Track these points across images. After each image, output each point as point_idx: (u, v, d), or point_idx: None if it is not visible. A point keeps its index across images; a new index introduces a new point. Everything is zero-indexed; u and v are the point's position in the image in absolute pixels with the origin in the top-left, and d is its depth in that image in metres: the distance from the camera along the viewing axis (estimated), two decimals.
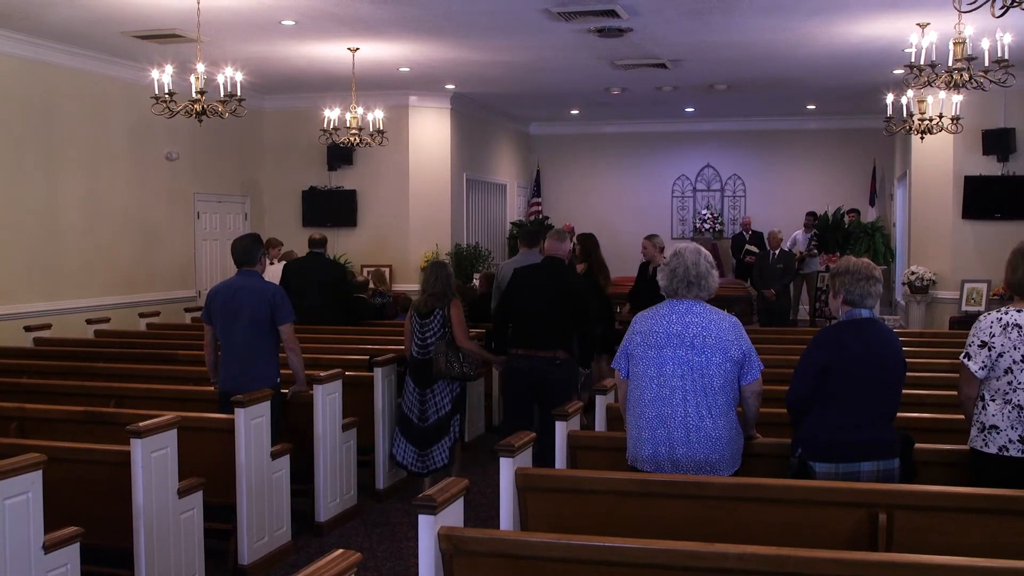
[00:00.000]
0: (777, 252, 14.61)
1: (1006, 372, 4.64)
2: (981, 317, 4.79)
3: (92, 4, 9.39)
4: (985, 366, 4.68)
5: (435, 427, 7.76)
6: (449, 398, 7.78)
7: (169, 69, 9.16)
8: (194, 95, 9.07)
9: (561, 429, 5.42)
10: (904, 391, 4.87)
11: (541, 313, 7.34)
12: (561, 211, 19.98)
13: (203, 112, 9.16)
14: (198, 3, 8.98)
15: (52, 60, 11.21)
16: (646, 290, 9.62)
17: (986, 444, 4.68)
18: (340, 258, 15.34)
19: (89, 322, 10.93)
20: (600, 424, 6.18)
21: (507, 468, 4.50)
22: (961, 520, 4.11)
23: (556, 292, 7.38)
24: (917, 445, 4.84)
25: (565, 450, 5.43)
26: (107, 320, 11.15)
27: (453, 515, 3.81)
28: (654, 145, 20.29)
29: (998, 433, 4.65)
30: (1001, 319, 4.68)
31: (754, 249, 17.14)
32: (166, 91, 9.11)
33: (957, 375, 4.88)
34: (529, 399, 7.48)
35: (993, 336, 4.67)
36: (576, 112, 18.79)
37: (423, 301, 7.79)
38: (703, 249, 4.97)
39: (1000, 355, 4.65)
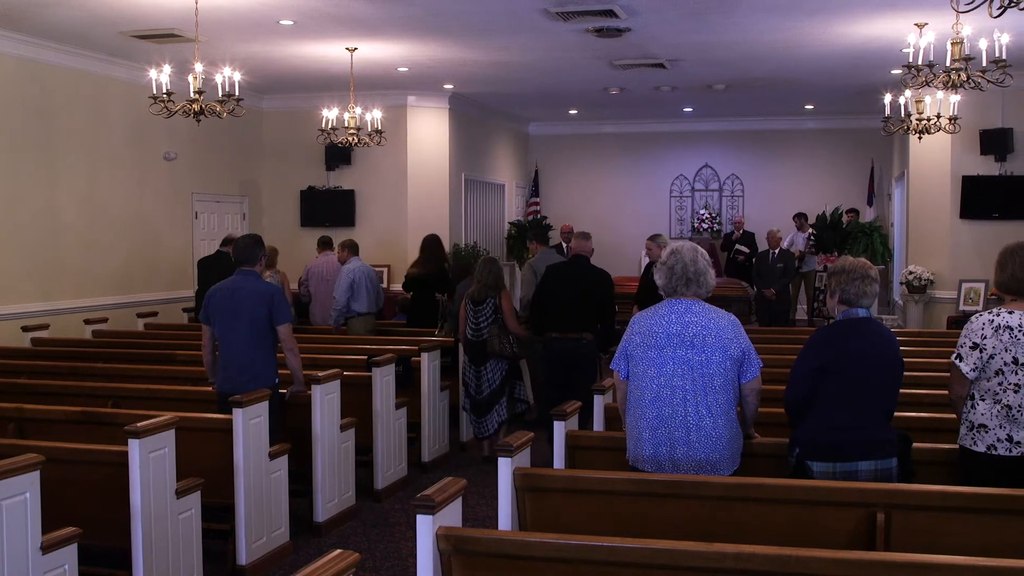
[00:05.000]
0: (777, 251, 14.58)
1: (997, 373, 4.65)
2: (973, 318, 4.79)
3: (90, 4, 9.39)
4: (976, 367, 4.69)
5: (488, 399, 8.95)
6: (499, 375, 8.94)
7: (167, 69, 9.15)
8: (192, 95, 9.06)
9: (559, 429, 5.42)
10: (902, 390, 4.88)
11: (570, 302, 8.66)
12: (559, 211, 20.00)
13: (201, 112, 9.15)
14: (196, 3, 8.98)
15: (50, 60, 11.21)
16: (653, 290, 9.66)
17: (975, 443, 4.71)
18: None
19: (87, 322, 10.95)
20: (599, 424, 6.18)
21: (505, 468, 4.50)
22: (959, 520, 4.12)
23: (583, 284, 8.71)
24: (915, 445, 4.84)
25: (564, 450, 5.43)
26: (105, 320, 11.16)
27: (451, 515, 3.81)
28: (652, 145, 20.30)
29: (987, 432, 4.67)
30: (993, 321, 4.69)
31: (744, 249, 17.13)
32: (164, 91, 9.10)
33: None
34: (562, 373, 8.71)
35: (985, 338, 4.67)
36: (575, 112, 18.79)
37: (477, 291, 8.96)
38: (699, 247, 4.98)
39: (991, 357, 4.66)
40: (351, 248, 11.01)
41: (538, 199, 20.33)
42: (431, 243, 11.49)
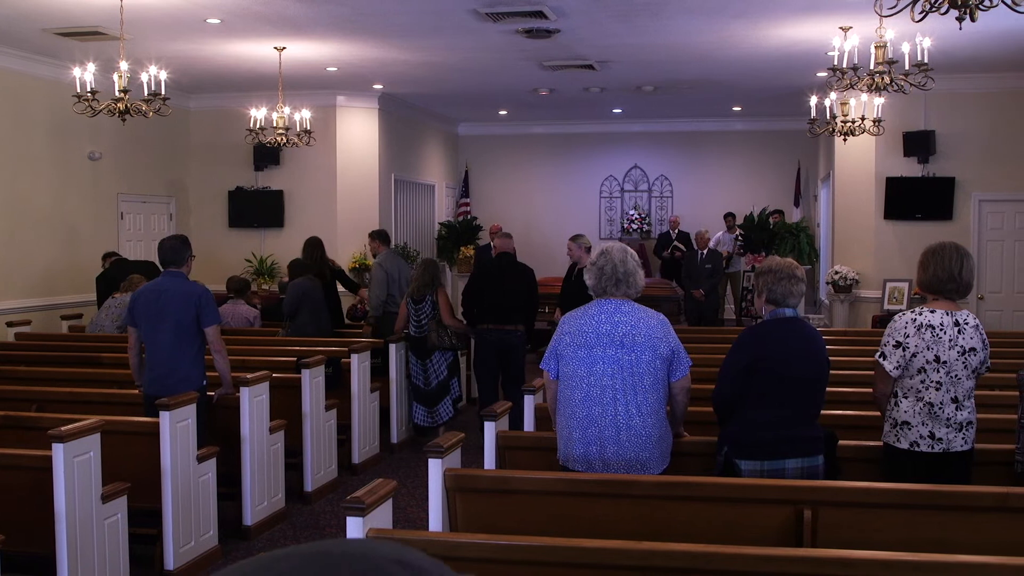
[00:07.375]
0: (705, 252, 14.74)
1: (919, 371, 4.75)
2: (896, 317, 4.88)
3: (12, 0, 9.20)
4: (899, 365, 4.78)
5: (437, 389, 9.59)
6: (444, 365, 9.62)
7: (91, 67, 9.01)
8: (117, 94, 8.93)
9: (490, 429, 5.43)
10: (828, 389, 4.95)
11: (503, 295, 9.34)
12: (490, 211, 19.98)
13: (126, 111, 9.03)
14: (121, 0, 8.85)
15: None
16: (574, 291, 9.78)
17: (898, 439, 4.79)
18: (267, 259, 15.23)
19: (10, 324, 10.72)
20: (529, 424, 6.19)
21: (436, 469, 4.49)
22: (883, 515, 4.19)
23: (512, 279, 9.40)
24: (841, 442, 4.92)
25: (495, 450, 5.43)
26: (28, 323, 10.95)
27: (382, 516, 3.80)
28: (582, 146, 20.36)
29: (910, 429, 4.76)
30: (915, 320, 4.78)
31: (681, 246, 17.26)
32: (88, 90, 8.96)
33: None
34: (496, 363, 9.43)
35: (907, 336, 4.76)
36: (504, 113, 18.81)
37: (416, 289, 9.57)
38: (629, 248, 5.01)
39: (914, 355, 4.75)
40: None
41: (468, 200, 20.30)
42: (306, 246, 11.28)
